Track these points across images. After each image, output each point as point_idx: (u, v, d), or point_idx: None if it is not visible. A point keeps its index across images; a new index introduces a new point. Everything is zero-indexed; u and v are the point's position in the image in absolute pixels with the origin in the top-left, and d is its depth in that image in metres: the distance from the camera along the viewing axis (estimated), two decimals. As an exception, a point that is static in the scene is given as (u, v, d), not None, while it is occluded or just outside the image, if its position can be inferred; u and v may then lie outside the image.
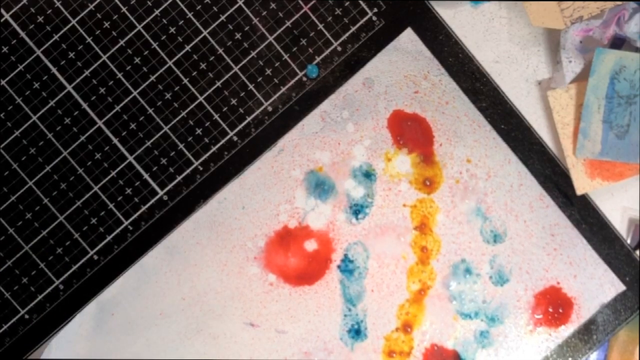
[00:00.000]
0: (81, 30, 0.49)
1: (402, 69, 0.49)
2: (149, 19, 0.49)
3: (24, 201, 0.49)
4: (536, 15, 0.46)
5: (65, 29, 0.49)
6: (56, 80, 0.49)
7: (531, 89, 0.49)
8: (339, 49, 0.49)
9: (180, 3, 0.49)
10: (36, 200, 0.49)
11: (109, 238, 0.49)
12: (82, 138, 0.49)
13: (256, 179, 0.49)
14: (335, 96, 0.49)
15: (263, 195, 0.49)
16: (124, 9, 0.49)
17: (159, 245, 0.49)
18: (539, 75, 0.50)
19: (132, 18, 0.49)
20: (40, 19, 0.49)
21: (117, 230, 0.49)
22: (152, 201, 0.49)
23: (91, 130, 0.49)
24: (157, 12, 0.49)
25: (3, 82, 0.48)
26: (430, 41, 0.49)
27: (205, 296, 0.48)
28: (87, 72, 0.49)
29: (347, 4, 0.49)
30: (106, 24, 0.49)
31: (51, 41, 0.49)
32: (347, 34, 0.49)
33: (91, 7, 0.49)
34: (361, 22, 0.49)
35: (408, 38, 0.49)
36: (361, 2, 0.49)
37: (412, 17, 0.49)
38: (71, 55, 0.49)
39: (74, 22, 0.49)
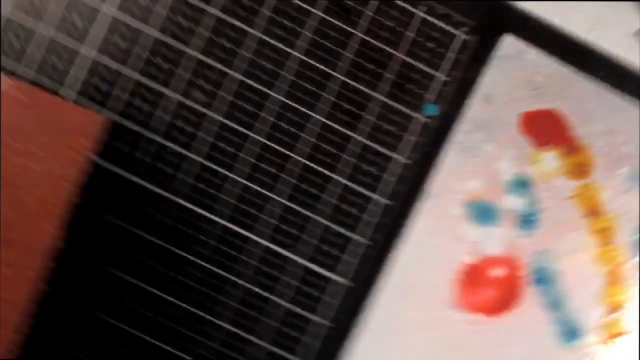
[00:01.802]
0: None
1: (513, 72, 0.49)
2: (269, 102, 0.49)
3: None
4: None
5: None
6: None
7: (631, 42, 0.50)
8: (446, 78, 0.49)
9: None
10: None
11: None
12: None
13: (421, 232, 0.49)
14: (462, 124, 0.49)
15: (434, 243, 0.49)
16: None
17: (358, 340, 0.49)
18: (634, 28, 0.50)
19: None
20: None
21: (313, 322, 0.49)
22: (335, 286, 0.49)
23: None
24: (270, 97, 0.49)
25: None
26: (528, 37, 0.49)
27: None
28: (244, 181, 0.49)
29: (434, 34, 0.49)
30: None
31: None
32: (448, 62, 0.49)
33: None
34: (455, 45, 0.49)
35: (507, 43, 0.49)
36: (447, 27, 0.49)
37: (500, 22, 0.49)
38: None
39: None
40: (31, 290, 0.38)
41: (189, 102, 0.48)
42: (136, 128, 0.48)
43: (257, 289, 0.49)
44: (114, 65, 0.47)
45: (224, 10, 0.48)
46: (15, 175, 0.37)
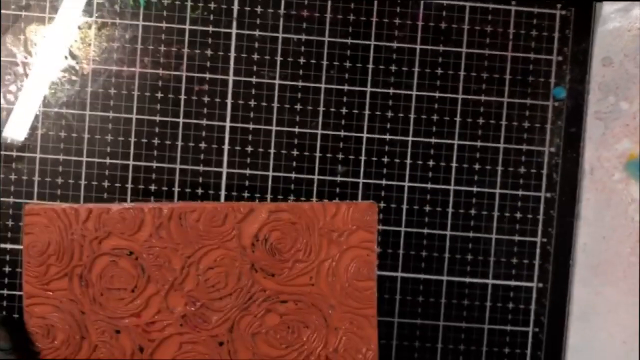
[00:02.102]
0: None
1: (621, 30, 0.49)
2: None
3: None
4: None
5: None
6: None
7: None
8: (560, 58, 0.49)
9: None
10: None
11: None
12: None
13: (594, 208, 0.49)
14: (592, 94, 0.49)
15: (609, 215, 0.49)
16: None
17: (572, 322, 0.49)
18: None
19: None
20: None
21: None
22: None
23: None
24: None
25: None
26: (619, -12, 0.49)
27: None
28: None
29: (532, 21, 0.49)
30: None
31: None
32: (555, 44, 0.49)
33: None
34: (556, 24, 0.49)
35: (605, 5, 0.49)
36: (542, 10, 0.49)
37: (587, -16, 0.49)
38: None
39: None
40: None
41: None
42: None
43: (458, 323, 0.49)
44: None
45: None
46: (314, 295, 0.39)
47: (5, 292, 0.48)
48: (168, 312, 0.38)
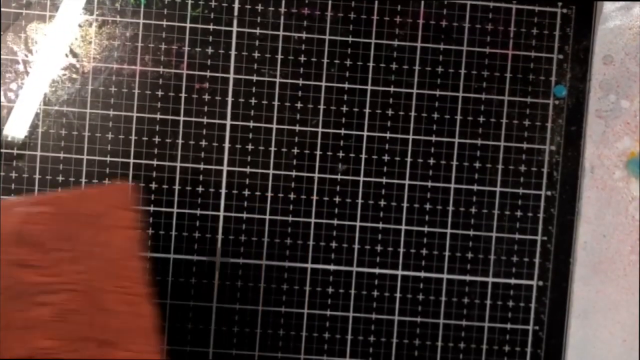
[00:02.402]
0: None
1: (622, 26, 0.49)
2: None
3: None
4: None
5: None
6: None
7: None
8: (561, 56, 0.49)
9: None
10: None
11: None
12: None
13: (594, 206, 0.49)
14: (593, 92, 0.49)
15: (610, 213, 0.49)
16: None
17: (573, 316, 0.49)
18: None
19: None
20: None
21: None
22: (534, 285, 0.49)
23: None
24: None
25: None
26: (620, -14, 0.49)
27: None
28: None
29: (533, 20, 0.49)
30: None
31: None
32: (556, 42, 0.49)
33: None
34: (557, 22, 0.49)
35: (607, 3, 0.49)
36: (543, 9, 0.49)
37: (588, -18, 0.49)
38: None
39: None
40: None
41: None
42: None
43: (458, 321, 0.49)
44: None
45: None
46: (84, 281, 0.38)
47: None
48: None
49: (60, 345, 0.37)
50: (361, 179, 0.49)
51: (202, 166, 0.48)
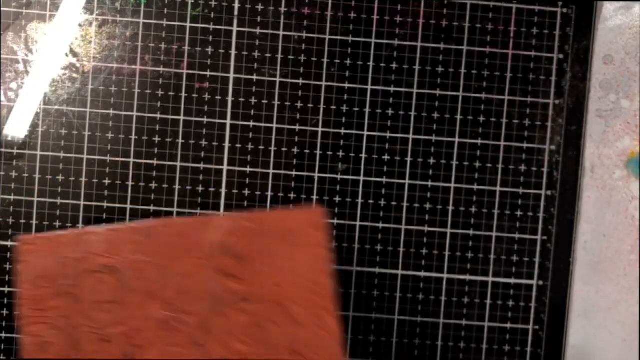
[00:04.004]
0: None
1: (622, 25, 0.49)
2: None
3: None
4: None
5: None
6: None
7: None
8: (561, 56, 0.49)
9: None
10: None
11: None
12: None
13: (594, 206, 0.49)
14: (593, 92, 0.49)
15: (610, 213, 0.49)
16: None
17: (573, 319, 0.49)
18: None
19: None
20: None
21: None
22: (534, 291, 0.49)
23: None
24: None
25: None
26: (620, -14, 0.49)
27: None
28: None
29: (533, 19, 0.49)
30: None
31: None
32: (556, 42, 0.49)
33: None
34: (557, 21, 0.49)
35: (608, 2, 0.49)
36: (544, 8, 0.49)
37: (588, -18, 0.49)
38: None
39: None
40: None
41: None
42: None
43: (458, 321, 0.49)
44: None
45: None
46: (279, 294, 0.42)
47: (6, 289, 0.48)
48: (149, 319, 0.42)
49: (254, 351, 0.42)
50: (361, 178, 0.49)
51: (202, 166, 0.48)
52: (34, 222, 0.48)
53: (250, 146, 0.49)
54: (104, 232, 0.42)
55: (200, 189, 0.48)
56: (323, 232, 0.42)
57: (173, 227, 0.42)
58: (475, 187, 0.49)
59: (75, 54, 0.48)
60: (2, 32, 0.48)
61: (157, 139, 0.48)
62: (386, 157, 0.49)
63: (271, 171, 0.49)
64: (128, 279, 0.42)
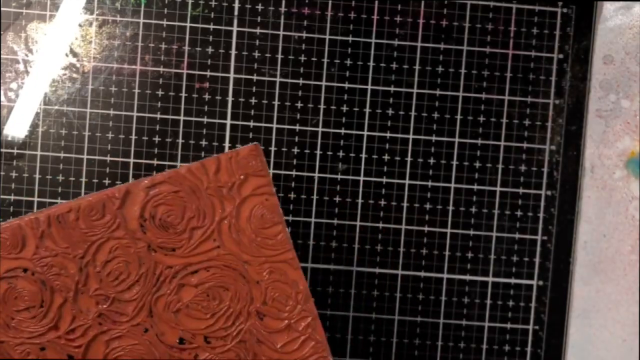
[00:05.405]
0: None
1: (622, 25, 0.49)
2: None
3: None
4: None
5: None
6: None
7: None
8: (561, 56, 0.49)
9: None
10: None
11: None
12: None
13: (594, 206, 0.49)
14: (593, 92, 0.49)
15: (610, 213, 0.49)
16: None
17: (573, 319, 0.49)
18: None
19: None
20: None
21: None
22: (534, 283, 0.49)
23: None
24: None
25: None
26: (620, -14, 0.49)
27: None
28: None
29: (534, 19, 0.49)
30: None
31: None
32: (556, 42, 0.49)
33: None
34: (557, 21, 0.49)
35: (608, 2, 0.49)
36: (544, 8, 0.49)
37: (588, -18, 0.49)
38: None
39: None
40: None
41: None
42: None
43: (459, 321, 0.49)
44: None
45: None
46: (224, 256, 0.38)
47: (6, 289, 0.48)
48: (83, 316, 0.38)
49: (210, 323, 0.38)
50: (361, 178, 0.49)
51: (202, 166, 0.48)
52: (34, 222, 0.48)
53: (250, 146, 0.49)
54: (7, 227, 0.37)
55: (200, 189, 0.48)
56: (264, 176, 0.38)
57: (77, 209, 0.37)
58: (475, 187, 0.49)
59: (75, 54, 0.48)
60: (2, 32, 0.48)
61: (157, 139, 0.48)
62: (386, 157, 0.49)
63: (271, 171, 0.49)
64: (45, 278, 0.37)
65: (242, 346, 0.38)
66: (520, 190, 0.49)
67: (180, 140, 0.48)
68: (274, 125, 0.49)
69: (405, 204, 0.49)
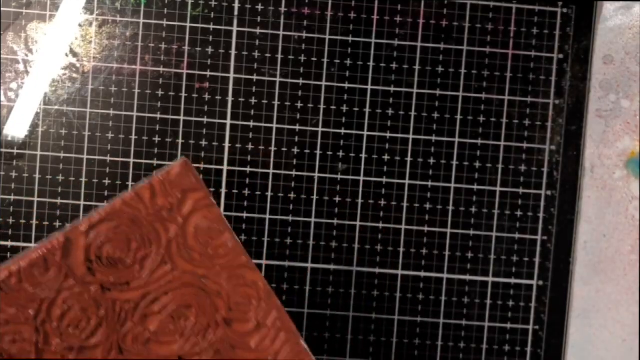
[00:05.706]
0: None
1: (622, 25, 0.49)
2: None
3: None
4: None
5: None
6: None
7: None
8: (561, 56, 0.49)
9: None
10: None
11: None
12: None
13: (594, 206, 0.49)
14: (593, 92, 0.49)
15: (610, 213, 0.49)
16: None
17: (573, 318, 0.49)
18: None
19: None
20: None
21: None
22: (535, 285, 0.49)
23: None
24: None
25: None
26: (620, -14, 0.49)
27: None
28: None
29: (534, 19, 0.49)
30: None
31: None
32: (556, 42, 0.49)
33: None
34: (557, 21, 0.49)
35: (608, 2, 0.49)
36: (544, 8, 0.49)
37: (588, -18, 0.49)
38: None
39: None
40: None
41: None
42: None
43: (458, 321, 0.49)
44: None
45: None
46: (179, 276, 0.38)
47: (6, 289, 0.48)
48: None
49: (182, 343, 0.37)
50: (361, 178, 0.49)
51: (202, 166, 0.48)
52: (34, 222, 0.48)
53: (250, 146, 0.49)
54: None
55: (200, 189, 0.48)
56: (199, 189, 0.38)
57: (19, 271, 0.36)
58: (475, 187, 0.49)
59: (75, 54, 0.48)
60: (2, 32, 0.48)
61: (157, 139, 0.48)
62: (386, 157, 0.49)
63: (271, 171, 0.49)
64: (1, 349, 0.36)
65: (218, 356, 0.37)
66: (520, 190, 0.49)
67: (180, 140, 0.48)
68: (274, 125, 0.49)
69: (405, 204, 0.49)
